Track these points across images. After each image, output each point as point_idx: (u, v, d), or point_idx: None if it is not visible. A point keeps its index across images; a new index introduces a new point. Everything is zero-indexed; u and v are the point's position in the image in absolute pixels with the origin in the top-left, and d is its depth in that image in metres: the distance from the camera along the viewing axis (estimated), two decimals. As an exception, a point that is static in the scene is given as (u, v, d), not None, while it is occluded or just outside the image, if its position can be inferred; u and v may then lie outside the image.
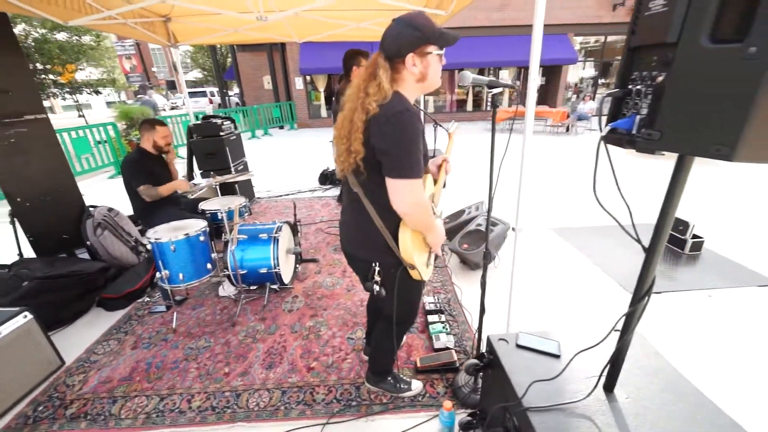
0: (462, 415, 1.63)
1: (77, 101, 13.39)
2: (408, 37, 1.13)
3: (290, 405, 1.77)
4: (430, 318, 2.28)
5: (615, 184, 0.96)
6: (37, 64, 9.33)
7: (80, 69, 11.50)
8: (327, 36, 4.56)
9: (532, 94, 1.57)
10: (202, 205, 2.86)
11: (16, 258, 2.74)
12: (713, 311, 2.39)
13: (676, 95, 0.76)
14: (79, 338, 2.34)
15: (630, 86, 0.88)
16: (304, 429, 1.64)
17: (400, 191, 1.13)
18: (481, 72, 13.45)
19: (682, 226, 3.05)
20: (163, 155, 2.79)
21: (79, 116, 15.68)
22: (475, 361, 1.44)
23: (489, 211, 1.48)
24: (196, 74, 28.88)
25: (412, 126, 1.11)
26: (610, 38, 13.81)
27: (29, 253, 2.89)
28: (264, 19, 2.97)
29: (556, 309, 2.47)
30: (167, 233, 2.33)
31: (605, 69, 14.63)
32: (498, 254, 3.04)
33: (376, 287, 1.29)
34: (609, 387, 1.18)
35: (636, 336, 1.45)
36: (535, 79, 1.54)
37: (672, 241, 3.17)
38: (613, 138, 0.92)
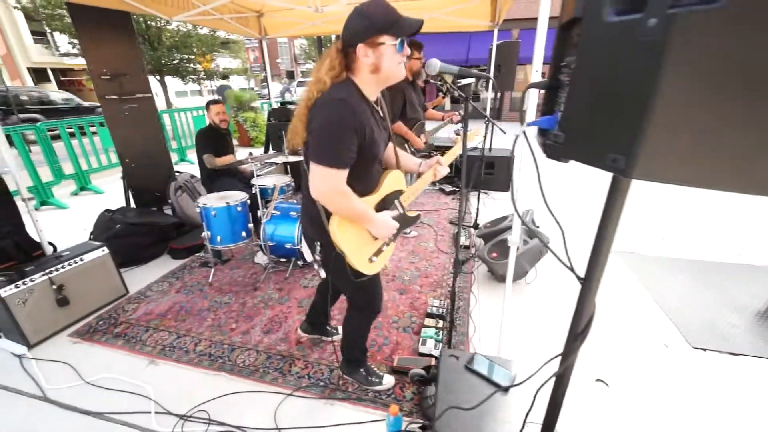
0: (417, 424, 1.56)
1: (214, 87, 16.15)
2: (356, 27, 1.12)
3: (268, 370, 1.91)
4: (427, 321, 2.17)
5: (544, 194, 0.80)
6: (183, 55, 11.53)
7: (213, 59, 13.77)
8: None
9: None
10: (254, 180, 3.22)
11: (122, 206, 3.51)
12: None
13: (579, 85, 0.59)
14: (145, 276, 2.89)
15: (559, 75, 0.70)
16: (270, 394, 1.77)
17: (315, 176, 1.15)
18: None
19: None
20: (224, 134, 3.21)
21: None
22: (421, 371, 1.34)
23: (460, 219, 1.34)
24: (309, 66, 31.83)
25: (340, 115, 1.10)
26: None
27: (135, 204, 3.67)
28: (320, 11, 3.14)
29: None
30: (213, 201, 2.69)
31: None
32: (535, 268, 2.72)
33: (316, 266, 1.32)
34: (545, 438, 0.99)
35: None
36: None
37: (788, 294, 2.38)
38: (540, 140, 0.75)
